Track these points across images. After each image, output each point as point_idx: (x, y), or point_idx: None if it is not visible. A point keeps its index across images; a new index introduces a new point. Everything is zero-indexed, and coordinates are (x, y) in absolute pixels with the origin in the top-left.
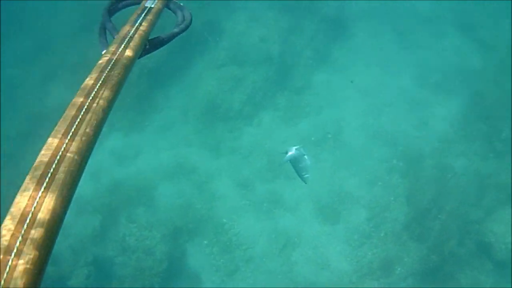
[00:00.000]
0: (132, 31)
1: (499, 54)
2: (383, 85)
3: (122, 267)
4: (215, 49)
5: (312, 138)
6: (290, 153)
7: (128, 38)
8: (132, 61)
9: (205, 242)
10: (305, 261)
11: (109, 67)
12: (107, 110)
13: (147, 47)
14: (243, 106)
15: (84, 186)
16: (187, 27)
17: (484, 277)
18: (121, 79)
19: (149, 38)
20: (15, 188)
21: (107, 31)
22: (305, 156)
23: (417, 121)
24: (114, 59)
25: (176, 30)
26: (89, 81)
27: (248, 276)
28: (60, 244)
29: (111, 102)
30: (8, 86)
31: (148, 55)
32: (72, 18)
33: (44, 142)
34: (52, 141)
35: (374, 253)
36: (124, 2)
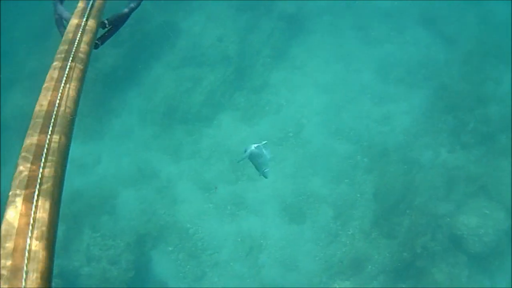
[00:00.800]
0: (86, 13)
1: (463, 47)
2: (344, 81)
3: (88, 278)
4: (172, 50)
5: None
6: (248, 151)
7: (83, 22)
8: (91, 39)
9: (170, 248)
10: (272, 263)
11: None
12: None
13: (107, 26)
14: (201, 108)
15: None
16: None
17: (458, 270)
18: (84, 66)
19: (106, 18)
20: None
21: (63, 20)
22: (264, 151)
23: (380, 116)
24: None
25: (132, 4)
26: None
27: (215, 281)
28: None
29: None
30: None
31: (108, 40)
32: (32, 22)
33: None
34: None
35: (343, 252)
36: None
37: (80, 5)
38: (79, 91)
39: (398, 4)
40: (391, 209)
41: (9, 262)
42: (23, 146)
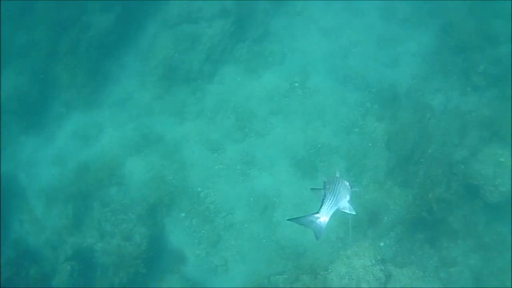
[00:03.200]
0: None
1: None
2: (348, 23)
3: (103, 255)
4: (165, 7)
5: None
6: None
7: None
8: None
9: (183, 214)
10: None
11: None
12: None
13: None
14: (202, 65)
15: (50, 174)
16: None
17: (476, 218)
18: None
19: None
20: None
21: None
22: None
23: (388, 59)
24: None
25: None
26: None
27: (232, 245)
28: (38, 240)
29: None
30: None
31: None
32: None
33: None
34: None
35: (359, 204)
36: None
37: None
38: None
39: None
40: (405, 157)
41: None
42: None
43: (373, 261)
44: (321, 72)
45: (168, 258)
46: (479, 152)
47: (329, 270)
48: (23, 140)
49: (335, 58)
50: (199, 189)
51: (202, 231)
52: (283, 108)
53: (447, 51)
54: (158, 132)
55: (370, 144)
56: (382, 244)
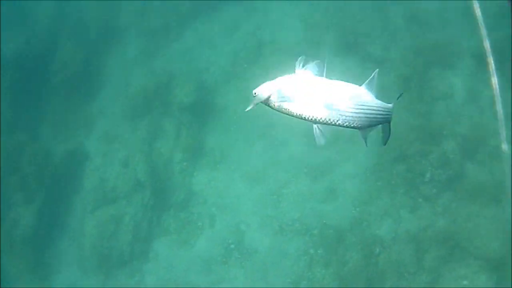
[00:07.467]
0: None
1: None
2: (273, 161)
3: None
4: (82, 190)
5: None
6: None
7: None
8: None
9: None
10: None
11: None
12: None
13: None
14: (132, 246)
15: None
16: None
17: None
18: None
19: None
20: None
21: None
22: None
23: (324, 192)
24: None
25: None
26: None
27: None
28: None
29: None
30: None
31: None
32: None
33: None
34: None
35: None
36: None
37: None
38: None
39: None
40: None
41: None
42: None
43: None
44: (255, 227)
45: None
46: (440, 277)
47: None
48: None
49: (267, 208)
50: None
51: None
52: (224, 276)
53: (388, 164)
54: None
55: None
56: None
